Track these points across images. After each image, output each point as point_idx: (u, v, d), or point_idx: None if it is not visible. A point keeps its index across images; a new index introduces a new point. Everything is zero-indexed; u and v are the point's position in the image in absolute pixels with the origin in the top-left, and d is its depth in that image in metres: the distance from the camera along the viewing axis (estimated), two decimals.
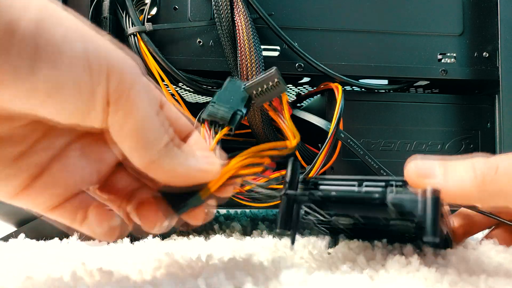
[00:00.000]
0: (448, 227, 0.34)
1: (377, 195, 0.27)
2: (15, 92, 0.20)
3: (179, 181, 0.26)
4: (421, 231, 0.25)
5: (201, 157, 0.26)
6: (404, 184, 0.28)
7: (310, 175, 0.45)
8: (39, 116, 0.22)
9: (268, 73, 0.37)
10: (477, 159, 0.28)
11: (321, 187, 0.30)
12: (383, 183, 0.28)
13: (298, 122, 0.54)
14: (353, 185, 0.29)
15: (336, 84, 0.48)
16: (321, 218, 0.34)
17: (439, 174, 0.28)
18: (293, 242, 0.30)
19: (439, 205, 0.25)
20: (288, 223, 0.29)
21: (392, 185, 0.28)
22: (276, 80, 0.37)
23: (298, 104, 0.59)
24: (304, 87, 0.62)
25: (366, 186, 0.28)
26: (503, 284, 0.27)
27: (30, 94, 0.20)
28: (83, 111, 0.22)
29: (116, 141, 0.24)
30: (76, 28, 0.22)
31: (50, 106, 0.21)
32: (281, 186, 0.47)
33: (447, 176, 0.28)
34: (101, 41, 0.22)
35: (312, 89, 0.57)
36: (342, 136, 0.47)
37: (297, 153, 0.50)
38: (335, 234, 0.39)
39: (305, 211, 0.33)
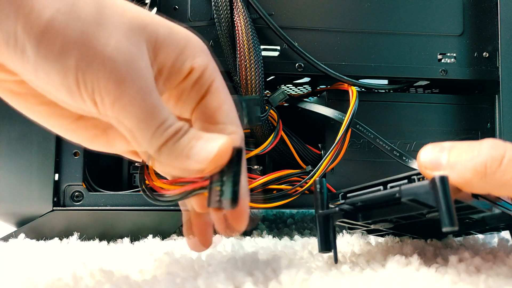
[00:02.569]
0: None
1: (397, 194, 0.26)
2: None
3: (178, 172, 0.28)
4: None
5: (202, 146, 0.26)
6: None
7: (321, 168, 0.45)
8: None
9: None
10: (485, 145, 0.26)
11: (348, 196, 0.31)
12: (406, 180, 0.28)
13: (298, 122, 0.54)
14: (379, 189, 0.29)
15: (351, 86, 0.48)
16: (363, 227, 0.35)
17: (445, 165, 0.27)
18: (336, 260, 0.30)
19: (449, 192, 0.24)
20: (328, 244, 0.30)
21: (414, 180, 0.28)
22: None
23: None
24: (304, 87, 0.62)
25: (391, 187, 0.28)
26: (503, 284, 0.27)
27: None
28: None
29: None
30: None
31: None
32: (283, 186, 0.47)
33: (451, 166, 0.26)
34: None
35: (322, 87, 0.57)
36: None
37: (295, 154, 0.50)
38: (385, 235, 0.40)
39: (349, 227, 0.34)
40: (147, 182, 0.28)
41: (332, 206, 0.31)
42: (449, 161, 0.27)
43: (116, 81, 0.24)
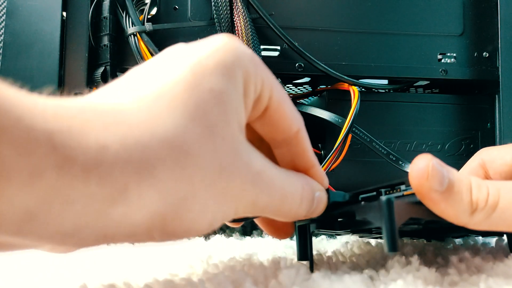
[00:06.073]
0: None
1: (353, 210, 0.27)
2: None
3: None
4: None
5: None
6: (398, 187, 0.26)
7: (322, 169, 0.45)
8: None
9: None
10: (477, 183, 0.25)
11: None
12: (374, 193, 0.27)
13: None
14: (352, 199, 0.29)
15: (352, 86, 0.48)
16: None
17: (441, 192, 0.25)
18: (312, 269, 0.31)
19: (394, 216, 0.23)
20: (305, 253, 0.31)
21: (381, 193, 0.27)
22: None
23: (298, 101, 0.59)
24: (304, 87, 0.62)
25: (362, 199, 0.28)
26: (503, 284, 0.27)
27: None
28: None
29: None
30: None
31: None
32: None
33: (448, 196, 0.25)
34: None
35: (323, 87, 0.57)
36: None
37: None
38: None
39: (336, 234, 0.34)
40: None
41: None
42: (448, 188, 0.25)
43: (249, 203, 0.24)
